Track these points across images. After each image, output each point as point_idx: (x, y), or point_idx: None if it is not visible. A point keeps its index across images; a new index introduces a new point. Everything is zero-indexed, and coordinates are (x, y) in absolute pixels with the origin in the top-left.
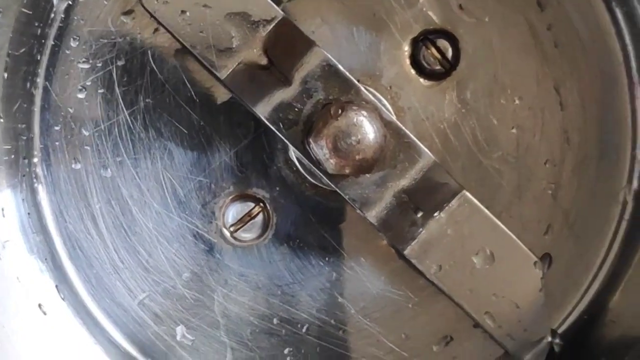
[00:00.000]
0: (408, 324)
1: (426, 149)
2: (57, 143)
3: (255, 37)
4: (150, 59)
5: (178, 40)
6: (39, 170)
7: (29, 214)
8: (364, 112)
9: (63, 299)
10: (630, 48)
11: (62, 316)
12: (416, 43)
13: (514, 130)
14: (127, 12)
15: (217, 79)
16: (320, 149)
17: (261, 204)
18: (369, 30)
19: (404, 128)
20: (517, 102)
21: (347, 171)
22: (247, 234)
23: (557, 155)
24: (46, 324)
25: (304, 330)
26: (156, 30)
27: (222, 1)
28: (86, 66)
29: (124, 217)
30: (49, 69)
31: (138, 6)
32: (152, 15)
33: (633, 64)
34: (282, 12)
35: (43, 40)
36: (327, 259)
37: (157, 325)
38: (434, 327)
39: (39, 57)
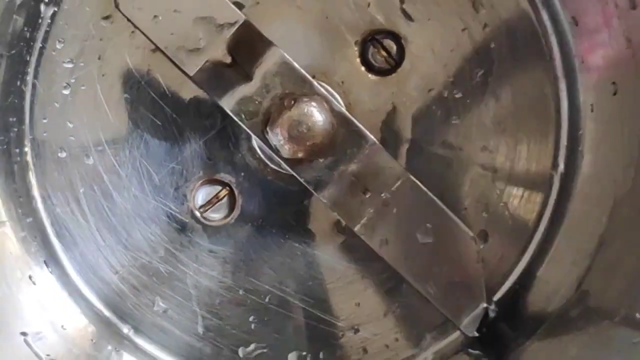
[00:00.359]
0: (360, 294)
1: (372, 137)
2: (45, 134)
3: (220, 39)
4: (127, 58)
5: (152, 42)
6: (29, 158)
7: (20, 197)
8: (314, 103)
9: (51, 273)
10: (554, 46)
11: (50, 287)
12: (365, 43)
13: (454, 121)
14: (107, 17)
15: (187, 76)
16: (276, 136)
17: (228, 188)
18: (323, 31)
19: (352, 117)
20: (456, 95)
21: (300, 155)
22: (215, 215)
23: (492, 142)
24: (35, 293)
25: (266, 300)
26: (132, 33)
27: (191, 6)
28: (70, 65)
29: (105, 200)
30: (37, 68)
31: (116, 12)
32: (128, 20)
33: (557, 60)
34: (244, 16)
35: (32, 43)
36: (286, 236)
37: (136, 296)
38: (384, 297)
39: (28, 58)
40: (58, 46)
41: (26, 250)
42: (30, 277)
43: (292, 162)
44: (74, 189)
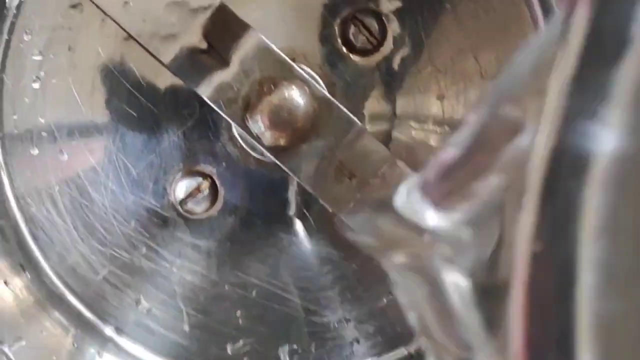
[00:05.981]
0: (352, 285)
1: (357, 119)
2: (15, 131)
3: (195, 24)
4: (99, 48)
5: (124, 30)
6: None
7: None
8: (294, 87)
9: (28, 276)
10: (539, 19)
11: (27, 291)
12: (345, 22)
13: (438, 100)
14: (74, 6)
15: (162, 64)
16: (257, 123)
17: (209, 179)
18: (301, 12)
19: (334, 100)
20: (440, 72)
21: (282, 142)
22: (197, 207)
23: None
24: (11, 298)
25: (253, 294)
26: (103, 21)
27: None
28: (39, 58)
29: (81, 197)
30: (4, 62)
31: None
32: (97, 7)
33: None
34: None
35: None
36: (272, 227)
37: (118, 296)
38: (378, 286)
39: None
40: (25, 38)
41: (0, 254)
42: (5, 282)
43: (275, 149)
44: (48, 187)
